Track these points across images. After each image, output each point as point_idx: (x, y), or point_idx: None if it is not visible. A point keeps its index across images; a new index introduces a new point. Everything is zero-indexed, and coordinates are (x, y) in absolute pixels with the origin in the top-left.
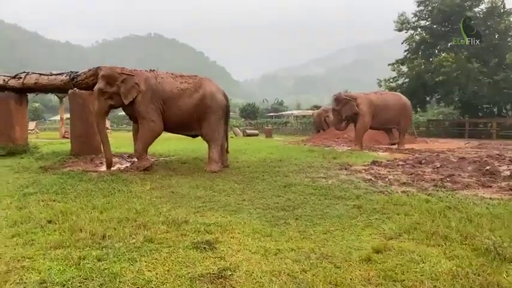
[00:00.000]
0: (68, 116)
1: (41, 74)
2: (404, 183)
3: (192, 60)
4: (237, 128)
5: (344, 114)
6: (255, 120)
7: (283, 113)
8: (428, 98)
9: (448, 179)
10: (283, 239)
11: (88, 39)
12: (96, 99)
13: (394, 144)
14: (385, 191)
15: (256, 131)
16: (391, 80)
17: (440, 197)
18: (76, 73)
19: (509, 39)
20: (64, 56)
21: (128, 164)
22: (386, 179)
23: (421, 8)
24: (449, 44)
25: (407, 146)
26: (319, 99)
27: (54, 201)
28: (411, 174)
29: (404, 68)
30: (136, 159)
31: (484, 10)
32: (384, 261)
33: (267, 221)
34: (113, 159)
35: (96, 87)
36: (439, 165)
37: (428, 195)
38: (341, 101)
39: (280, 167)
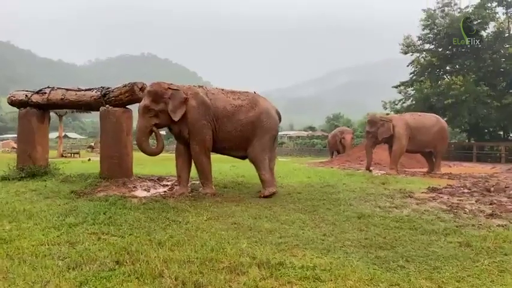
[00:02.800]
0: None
1: (67, 90)
2: (491, 214)
3: (185, 81)
4: None
5: (380, 136)
6: None
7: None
8: None
9: None
10: None
11: (81, 57)
12: (141, 116)
13: (429, 173)
14: (477, 224)
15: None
16: (397, 102)
17: None
18: (108, 89)
19: None
20: (57, 74)
21: (165, 189)
22: (467, 210)
23: (427, 31)
24: (456, 67)
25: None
26: (311, 120)
27: (107, 234)
28: (491, 204)
29: (410, 91)
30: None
31: (491, 34)
32: None
33: (373, 263)
34: (145, 183)
35: (141, 104)
36: None
37: None
38: (376, 123)
39: (335, 193)
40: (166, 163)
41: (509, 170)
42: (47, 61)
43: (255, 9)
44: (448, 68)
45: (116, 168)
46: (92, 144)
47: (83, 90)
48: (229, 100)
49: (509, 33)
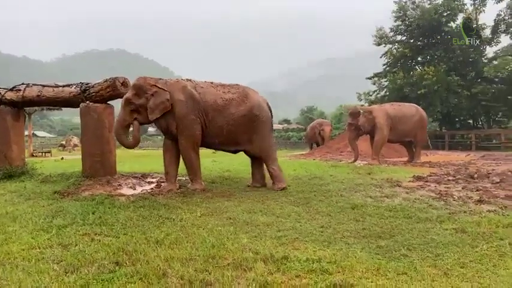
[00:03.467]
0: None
1: (44, 86)
2: (479, 200)
3: (156, 75)
4: None
5: (363, 128)
6: None
7: None
8: None
9: None
10: (423, 277)
11: (47, 53)
12: (121, 108)
13: (409, 162)
14: (468, 210)
15: None
16: (371, 93)
17: None
18: (88, 84)
19: (484, 53)
20: (21, 71)
21: (152, 186)
22: (455, 197)
23: (399, 23)
24: (427, 57)
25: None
26: (285, 113)
27: (100, 234)
28: (477, 190)
29: (384, 82)
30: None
31: (460, 25)
32: None
33: (376, 253)
34: (130, 181)
35: (124, 96)
36: (498, 180)
37: None
38: (358, 115)
39: (324, 185)
40: (143, 159)
41: (483, 157)
42: (10, 58)
43: (227, 2)
44: (419, 59)
45: (98, 166)
46: (63, 142)
47: (60, 86)
48: (219, 93)
49: (477, 24)
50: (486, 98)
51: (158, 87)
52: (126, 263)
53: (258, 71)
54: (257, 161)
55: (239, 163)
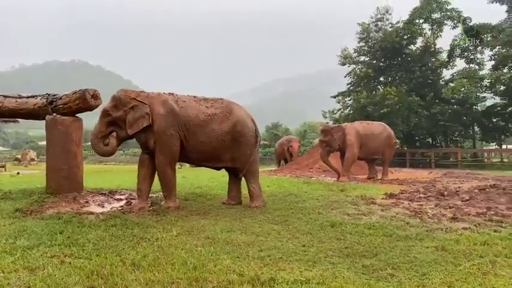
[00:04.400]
0: None
1: (6, 97)
2: (453, 218)
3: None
4: None
5: (335, 145)
6: None
7: None
8: None
9: (492, 212)
10: None
11: (2, 63)
12: (99, 119)
13: (371, 178)
14: (444, 228)
15: None
16: (335, 112)
17: None
18: (55, 96)
19: (442, 75)
20: None
21: (121, 203)
22: (429, 214)
23: (362, 44)
24: (389, 78)
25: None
26: None
27: (70, 256)
28: (449, 208)
29: (348, 100)
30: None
31: (419, 48)
32: None
33: (363, 273)
34: (98, 198)
35: (103, 107)
36: (467, 198)
37: (496, 232)
38: (329, 132)
39: (300, 202)
40: (106, 175)
41: (445, 175)
42: None
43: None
44: (382, 79)
45: (64, 182)
46: (19, 156)
47: (24, 97)
48: (201, 108)
49: (434, 48)
50: (444, 118)
51: (138, 101)
52: None
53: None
54: (237, 177)
55: (209, 179)
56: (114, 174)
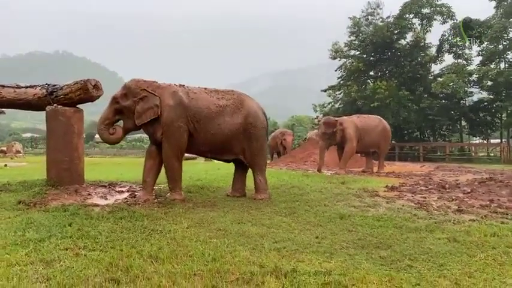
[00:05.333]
0: None
1: (4, 86)
2: (459, 210)
3: (104, 80)
4: None
5: (338, 138)
6: None
7: None
8: None
9: (495, 204)
10: None
11: None
12: (107, 105)
13: (366, 172)
14: (452, 220)
15: (194, 155)
16: (326, 105)
17: None
18: (55, 86)
19: (431, 69)
20: None
21: (124, 196)
22: (435, 206)
23: (353, 38)
24: (379, 73)
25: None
26: None
27: (84, 248)
28: (452, 200)
29: (338, 94)
30: (140, 192)
31: (409, 43)
32: None
33: (381, 264)
34: (99, 190)
35: (113, 95)
36: (469, 190)
37: (503, 223)
38: (332, 125)
39: (304, 194)
40: (99, 168)
41: (438, 168)
42: None
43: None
44: (372, 73)
45: (65, 174)
46: (4, 148)
47: (23, 87)
48: (212, 100)
49: (424, 42)
50: (432, 112)
51: (148, 92)
52: (124, 281)
53: (208, 80)
54: (243, 169)
55: (206, 171)
56: (105, 166)
